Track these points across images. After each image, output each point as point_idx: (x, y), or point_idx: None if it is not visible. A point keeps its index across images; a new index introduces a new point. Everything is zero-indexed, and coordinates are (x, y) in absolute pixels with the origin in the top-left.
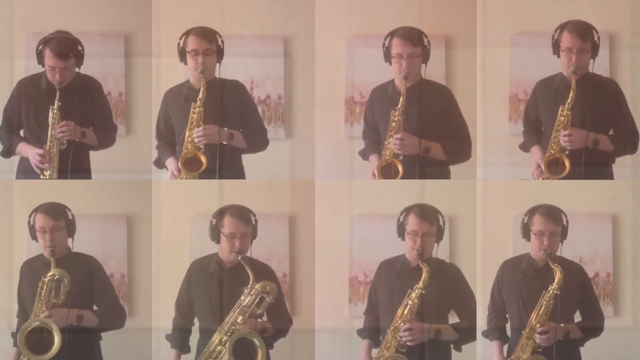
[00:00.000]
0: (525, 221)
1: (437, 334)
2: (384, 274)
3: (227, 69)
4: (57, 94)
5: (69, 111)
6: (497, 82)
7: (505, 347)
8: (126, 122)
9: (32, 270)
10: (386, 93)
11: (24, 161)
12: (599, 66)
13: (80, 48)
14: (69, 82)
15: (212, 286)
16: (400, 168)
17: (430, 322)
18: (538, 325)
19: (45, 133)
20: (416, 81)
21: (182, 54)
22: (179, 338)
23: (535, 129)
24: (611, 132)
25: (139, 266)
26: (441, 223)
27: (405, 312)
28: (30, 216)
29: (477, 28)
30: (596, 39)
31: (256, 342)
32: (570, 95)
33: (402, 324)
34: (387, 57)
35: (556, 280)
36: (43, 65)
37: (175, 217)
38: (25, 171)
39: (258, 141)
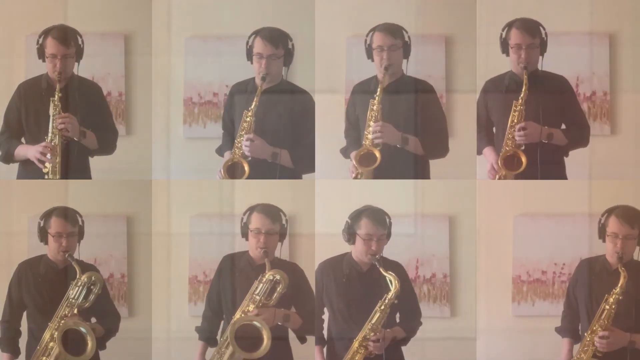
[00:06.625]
0: (601, 222)
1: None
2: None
3: None
4: (58, 87)
5: (69, 112)
6: None
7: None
8: (126, 122)
9: (32, 271)
10: (368, 88)
11: (25, 162)
12: (600, 65)
13: (80, 41)
14: (69, 80)
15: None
16: (378, 155)
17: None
18: (599, 329)
19: (45, 135)
20: (398, 77)
21: (249, 55)
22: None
23: (487, 130)
24: (563, 127)
25: (139, 266)
26: None
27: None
28: (42, 219)
29: (478, 27)
30: (544, 35)
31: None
32: (523, 90)
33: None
34: (369, 54)
35: (619, 285)
36: (43, 60)
37: (176, 217)
38: (26, 172)
39: (305, 163)
